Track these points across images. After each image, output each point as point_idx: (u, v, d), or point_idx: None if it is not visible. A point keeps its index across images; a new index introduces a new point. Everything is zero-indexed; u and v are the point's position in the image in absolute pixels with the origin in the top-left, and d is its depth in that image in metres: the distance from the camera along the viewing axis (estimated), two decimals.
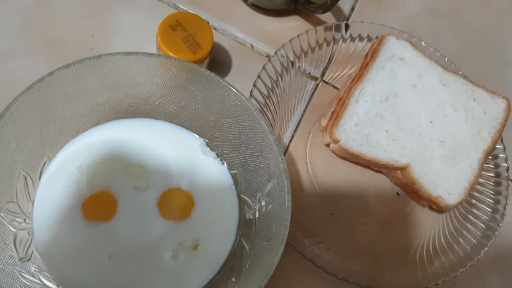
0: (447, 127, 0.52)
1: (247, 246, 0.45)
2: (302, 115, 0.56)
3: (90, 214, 0.44)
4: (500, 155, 0.56)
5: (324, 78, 0.58)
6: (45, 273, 0.41)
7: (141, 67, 0.44)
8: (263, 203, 0.45)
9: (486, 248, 0.51)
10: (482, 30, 0.67)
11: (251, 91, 0.51)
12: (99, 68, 0.42)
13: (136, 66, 0.43)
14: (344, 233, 0.52)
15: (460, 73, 0.57)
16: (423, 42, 0.58)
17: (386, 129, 0.51)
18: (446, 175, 0.51)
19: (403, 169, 0.51)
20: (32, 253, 0.42)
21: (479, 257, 0.51)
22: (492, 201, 0.55)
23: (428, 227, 0.54)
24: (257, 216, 0.45)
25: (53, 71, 0.41)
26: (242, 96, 0.43)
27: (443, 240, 0.53)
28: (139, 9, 0.58)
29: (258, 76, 0.51)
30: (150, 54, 0.43)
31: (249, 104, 0.43)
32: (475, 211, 0.54)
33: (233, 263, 0.45)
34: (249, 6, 0.60)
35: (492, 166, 0.57)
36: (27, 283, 0.39)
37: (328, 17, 0.61)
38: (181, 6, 0.59)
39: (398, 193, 0.55)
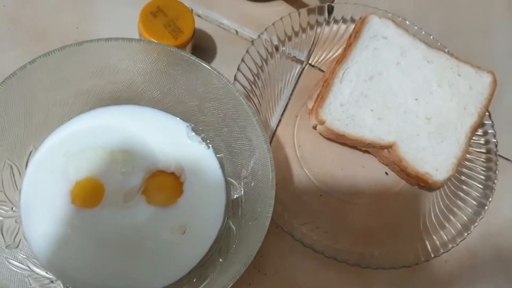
0: (433, 103, 0.52)
1: (234, 227, 0.45)
2: (289, 98, 0.56)
3: (78, 200, 0.44)
4: (489, 131, 0.56)
5: (309, 61, 0.58)
6: (34, 260, 0.42)
7: (122, 52, 0.44)
8: (247, 183, 0.45)
9: (476, 224, 0.51)
10: (468, 8, 0.66)
11: (235, 75, 0.51)
12: (80, 55, 0.43)
13: (117, 52, 0.44)
14: (333, 213, 0.52)
15: (446, 50, 0.57)
16: (407, 21, 0.58)
17: (371, 108, 0.51)
18: (433, 151, 0.51)
19: (390, 147, 0.51)
20: (20, 240, 0.42)
21: (469, 232, 0.51)
22: (483, 178, 0.55)
23: (418, 205, 0.54)
24: (243, 197, 0.46)
25: (35, 59, 0.41)
26: (223, 78, 0.43)
27: (433, 218, 0.53)
28: None
29: (242, 60, 0.52)
30: (130, 39, 0.43)
31: (230, 85, 0.43)
32: (465, 187, 0.54)
33: (221, 244, 0.45)
34: None
35: (482, 142, 0.56)
36: (14, 269, 0.39)
37: (312, 0, 0.61)
38: None
39: (386, 173, 0.55)
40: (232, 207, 0.46)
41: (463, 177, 0.55)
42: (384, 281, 0.51)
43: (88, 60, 0.43)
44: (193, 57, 0.43)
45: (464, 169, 0.55)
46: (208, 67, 0.43)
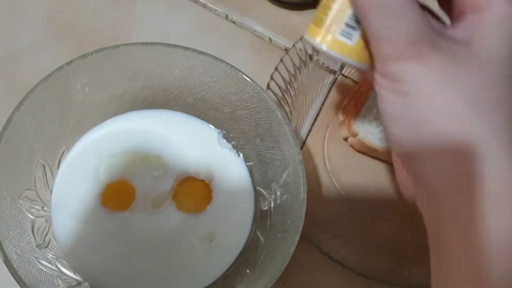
0: None
1: (262, 238, 0.44)
2: (320, 108, 0.56)
3: (109, 203, 0.44)
4: None
5: (343, 72, 0.57)
6: (62, 261, 0.42)
7: (159, 57, 0.44)
8: (278, 195, 0.45)
9: None
10: None
11: (268, 83, 0.50)
12: (117, 58, 0.43)
13: (153, 56, 0.44)
14: (363, 228, 0.51)
15: None
16: None
17: None
18: None
19: None
20: (49, 240, 0.42)
21: None
22: None
23: None
24: (272, 208, 0.45)
25: (72, 60, 0.41)
26: (258, 87, 0.43)
27: None
28: (158, 1, 0.58)
29: (276, 69, 0.51)
30: (167, 45, 0.43)
31: (265, 94, 0.43)
32: None
33: (248, 255, 0.44)
34: (269, 0, 0.60)
35: None
36: (44, 269, 0.39)
37: None
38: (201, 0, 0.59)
39: None
40: (261, 217, 0.46)
41: None
42: None
43: (125, 63, 0.44)
44: (229, 66, 0.43)
45: None
46: (243, 75, 0.43)
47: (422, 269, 0.49)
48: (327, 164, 0.54)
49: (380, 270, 0.47)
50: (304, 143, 0.54)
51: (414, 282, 0.47)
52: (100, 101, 0.45)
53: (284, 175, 0.43)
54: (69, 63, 0.41)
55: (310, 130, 0.55)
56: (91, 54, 0.42)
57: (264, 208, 0.46)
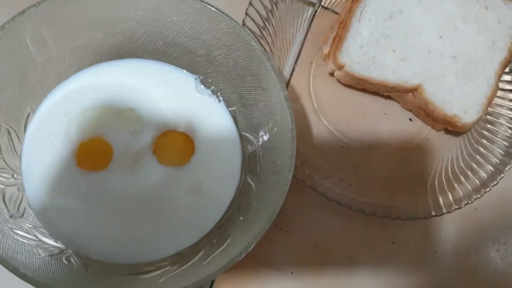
0: (458, 40, 0.48)
1: (253, 184, 0.42)
2: (302, 44, 0.52)
3: (85, 163, 0.41)
4: None
5: (322, 3, 0.54)
6: (41, 229, 0.39)
7: (119, 0, 0.40)
8: (265, 137, 0.42)
9: (509, 166, 0.48)
10: None
11: (243, 20, 0.47)
12: (73, 4, 0.39)
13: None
14: (356, 165, 0.49)
15: None
16: None
17: (393, 49, 0.47)
18: (461, 92, 0.47)
19: (414, 90, 0.47)
20: (24, 209, 0.39)
21: (502, 176, 0.47)
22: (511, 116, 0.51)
23: (445, 151, 0.51)
24: (260, 152, 0.42)
25: (24, 10, 0.37)
26: (232, 21, 0.39)
27: (462, 163, 0.50)
28: None
29: (250, 3, 0.47)
30: None
31: (240, 28, 0.39)
32: (493, 128, 0.50)
33: (241, 202, 0.42)
34: None
35: (509, 79, 0.52)
36: (21, 239, 0.37)
37: None
38: None
39: (411, 119, 0.51)
40: (250, 163, 0.43)
41: (489, 117, 0.51)
42: (413, 232, 0.48)
43: (83, 10, 0.40)
44: (198, 1, 0.39)
45: (490, 109, 0.51)
46: (214, 9, 0.39)
47: (421, 201, 0.47)
48: (314, 102, 0.51)
49: (377, 205, 0.45)
50: (288, 83, 0.51)
51: (415, 214, 0.45)
52: (61, 55, 0.41)
53: (271, 116, 0.40)
54: (21, 12, 0.37)
55: (293, 69, 0.52)
56: (45, 2, 0.38)
57: (253, 154, 0.43)
